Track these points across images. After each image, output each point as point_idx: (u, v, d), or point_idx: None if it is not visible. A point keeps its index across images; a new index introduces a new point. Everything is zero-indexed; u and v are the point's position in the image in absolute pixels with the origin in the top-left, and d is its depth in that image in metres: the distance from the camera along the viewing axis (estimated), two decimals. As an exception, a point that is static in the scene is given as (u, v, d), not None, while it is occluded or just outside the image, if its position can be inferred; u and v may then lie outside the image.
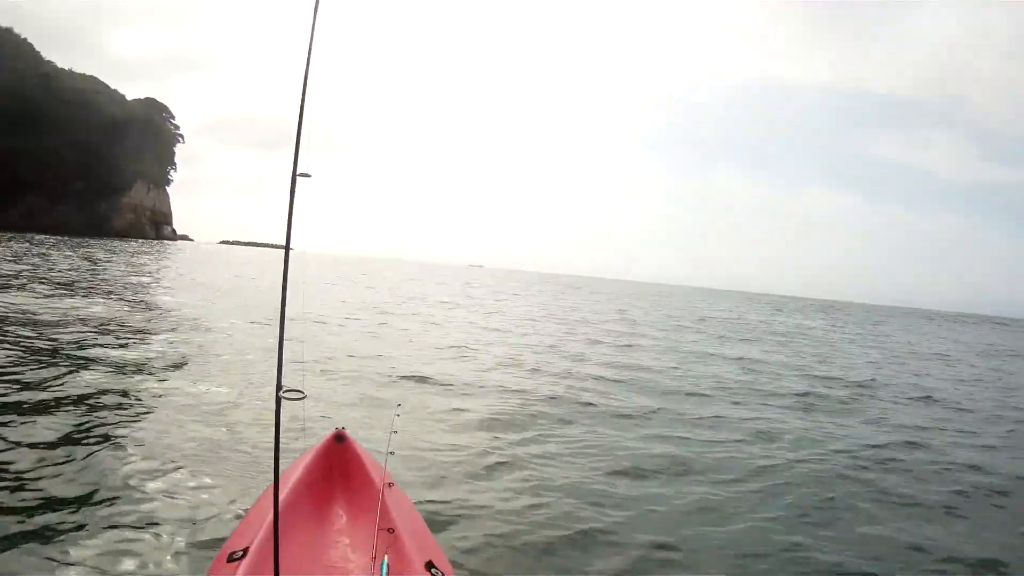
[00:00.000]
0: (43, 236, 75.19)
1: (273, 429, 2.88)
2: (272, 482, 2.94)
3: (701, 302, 79.40)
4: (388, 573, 3.10)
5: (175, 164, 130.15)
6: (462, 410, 9.46)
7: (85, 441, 6.29)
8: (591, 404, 10.63)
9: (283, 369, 2.99)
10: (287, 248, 3.11)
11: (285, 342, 3.04)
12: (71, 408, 7.38)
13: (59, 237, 77.05)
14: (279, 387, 2.92)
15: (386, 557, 3.17)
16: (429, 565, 3.23)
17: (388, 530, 3.36)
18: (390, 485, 3.89)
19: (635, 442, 8.42)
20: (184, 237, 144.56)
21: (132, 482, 5.42)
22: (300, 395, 2.94)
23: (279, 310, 3.02)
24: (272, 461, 2.87)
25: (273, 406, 2.91)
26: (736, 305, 76.53)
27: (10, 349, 10.12)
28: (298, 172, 3.01)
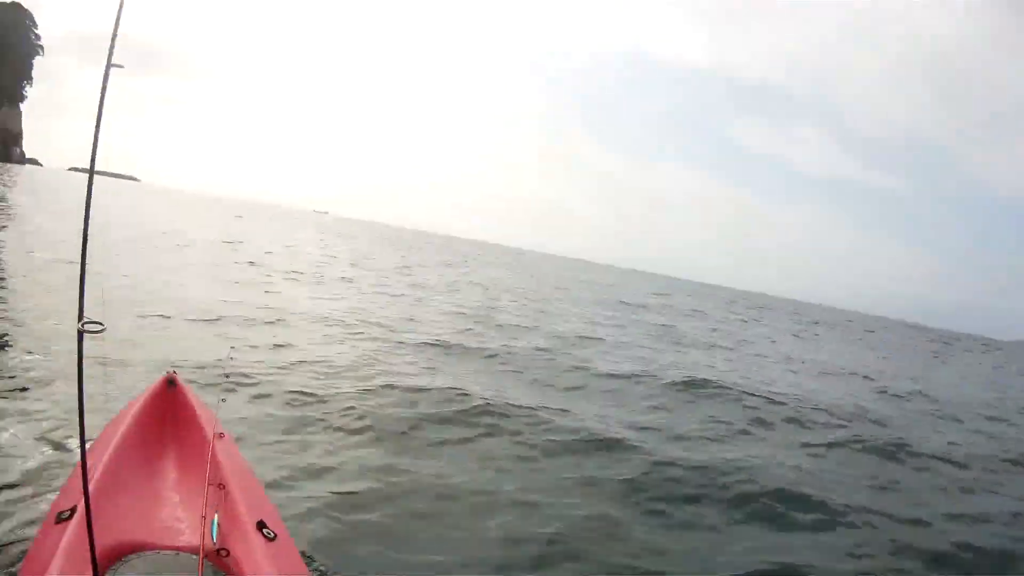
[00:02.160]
0: None
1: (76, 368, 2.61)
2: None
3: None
4: (218, 532, 2.95)
5: (31, 79, 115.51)
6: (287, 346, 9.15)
7: None
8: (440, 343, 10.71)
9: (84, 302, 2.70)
10: (91, 169, 2.80)
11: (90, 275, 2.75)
12: None
13: None
14: (80, 319, 2.64)
15: (216, 515, 3.01)
16: (261, 525, 3.09)
17: (219, 485, 3.18)
18: (221, 436, 3.67)
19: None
20: (33, 161, 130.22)
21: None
22: (99, 327, 2.67)
23: (82, 233, 2.72)
24: (76, 402, 2.60)
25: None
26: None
27: None
28: (111, 63, 2.67)
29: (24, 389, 5.91)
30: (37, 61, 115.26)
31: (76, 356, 2.63)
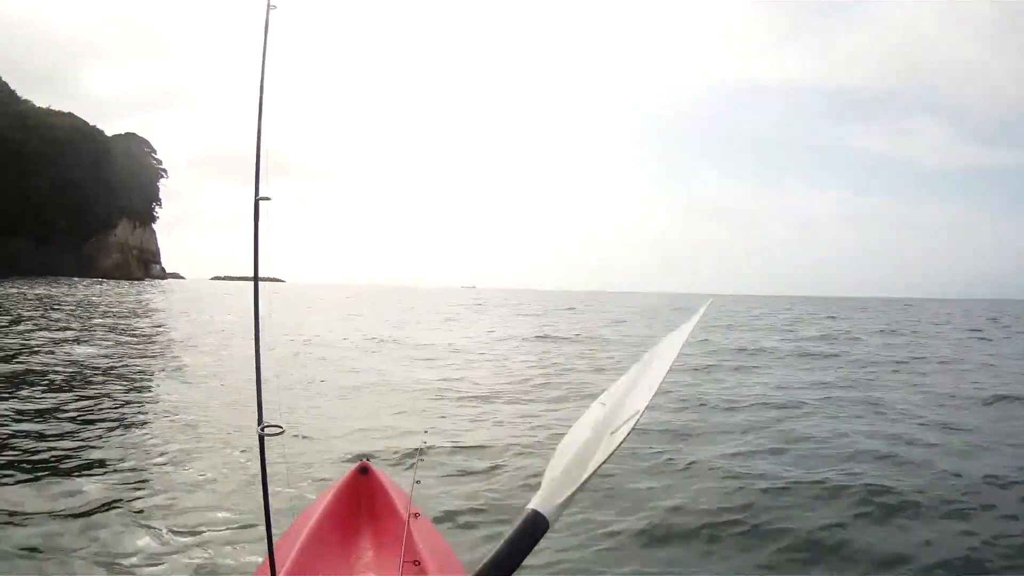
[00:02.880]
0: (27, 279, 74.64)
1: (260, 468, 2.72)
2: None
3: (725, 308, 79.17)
4: None
5: (160, 200, 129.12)
6: (489, 426, 9.32)
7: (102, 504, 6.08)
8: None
9: (263, 404, 2.84)
10: (255, 278, 2.97)
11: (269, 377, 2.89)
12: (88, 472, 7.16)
13: (47, 278, 76.61)
14: (260, 422, 2.77)
15: None
16: None
17: (414, 562, 3.21)
18: (416, 516, 3.72)
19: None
20: (175, 275, 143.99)
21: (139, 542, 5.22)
22: (279, 430, 2.79)
23: (254, 342, 2.87)
24: (262, 499, 2.71)
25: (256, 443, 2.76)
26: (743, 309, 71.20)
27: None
28: (259, 196, 2.87)
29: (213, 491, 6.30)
30: (162, 183, 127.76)
31: (259, 458, 2.76)
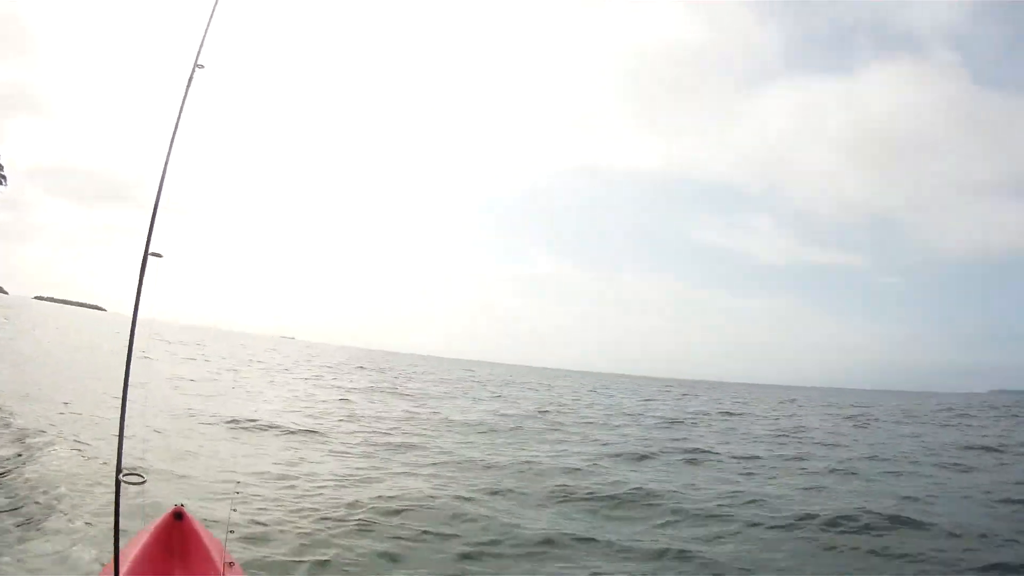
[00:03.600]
0: None
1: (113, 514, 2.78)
2: (112, 565, 2.79)
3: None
4: None
5: None
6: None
7: None
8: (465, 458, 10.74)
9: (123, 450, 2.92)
10: (132, 327, 3.06)
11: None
12: None
13: None
14: (119, 470, 2.84)
15: None
16: None
17: None
18: (231, 564, 3.77)
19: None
20: None
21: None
22: (140, 480, 2.86)
23: (122, 389, 2.97)
24: (112, 546, 2.76)
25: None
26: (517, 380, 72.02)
27: None
28: (150, 251, 3.01)
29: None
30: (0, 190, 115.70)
31: (114, 503, 2.82)
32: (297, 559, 6.08)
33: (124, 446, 2.90)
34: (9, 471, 8.07)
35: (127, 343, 2.99)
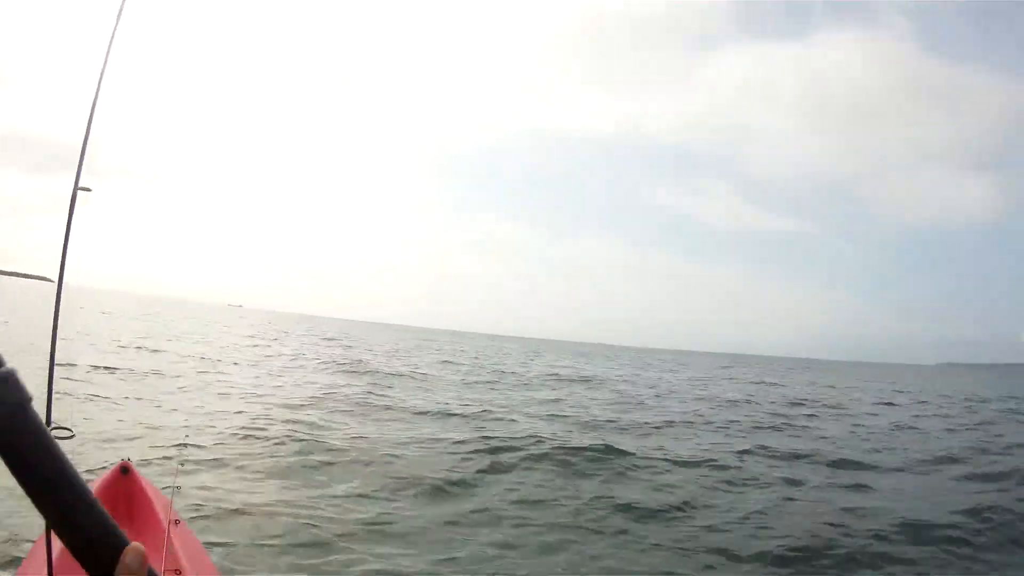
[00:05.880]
0: None
1: None
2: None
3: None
4: None
5: None
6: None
7: None
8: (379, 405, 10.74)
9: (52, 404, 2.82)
10: (60, 277, 2.94)
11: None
12: None
13: None
14: (48, 424, 2.74)
15: None
16: None
17: (175, 571, 3.23)
18: (177, 522, 3.70)
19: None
20: None
21: None
22: (68, 433, 2.76)
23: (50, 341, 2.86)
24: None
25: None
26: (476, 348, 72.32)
27: None
28: (79, 186, 2.86)
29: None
30: None
31: None
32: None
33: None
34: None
35: (56, 291, 2.87)
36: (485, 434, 11.69)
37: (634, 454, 10.57)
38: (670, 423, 15.96)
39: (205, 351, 26.96)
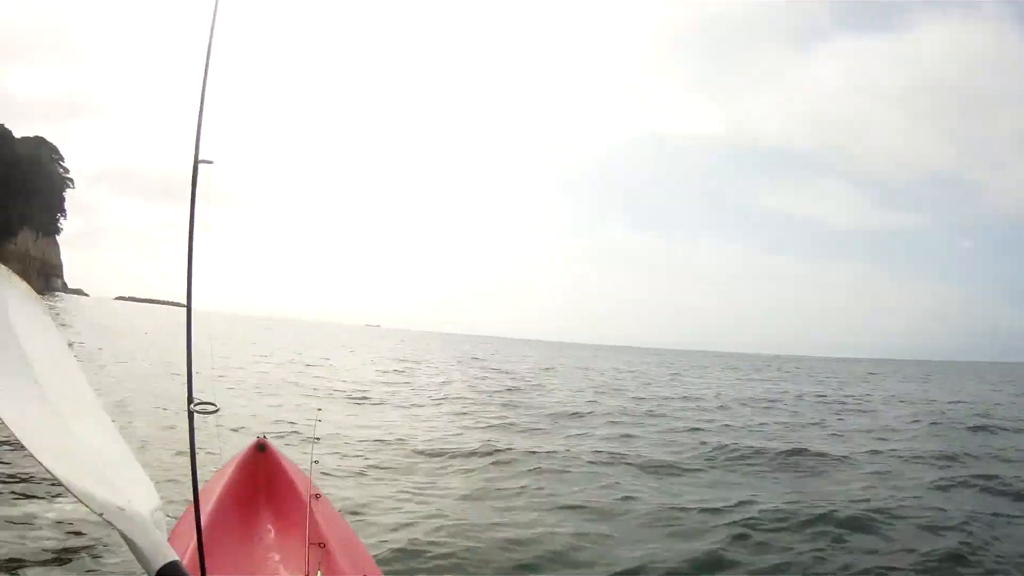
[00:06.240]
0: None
1: (188, 445, 2.76)
2: (192, 500, 2.78)
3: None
4: None
5: (64, 211, 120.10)
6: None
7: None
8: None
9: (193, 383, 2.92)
10: (190, 245, 3.01)
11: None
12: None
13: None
14: (190, 400, 2.84)
15: (319, 573, 3.10)
16: None
17: (319, 544, 3.27)
18: (317, 496, 3.77)
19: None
20: (78, 291, 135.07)
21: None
22: (214, 408, 2.84)
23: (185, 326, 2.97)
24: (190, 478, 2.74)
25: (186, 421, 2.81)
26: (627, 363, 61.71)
27: None
28: (200, 159, 2.85)
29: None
30: (69, 194, 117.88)
31: (188, 434, 2.81)
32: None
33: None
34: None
35: (185, 294, 2.96)
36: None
37: None
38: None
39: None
